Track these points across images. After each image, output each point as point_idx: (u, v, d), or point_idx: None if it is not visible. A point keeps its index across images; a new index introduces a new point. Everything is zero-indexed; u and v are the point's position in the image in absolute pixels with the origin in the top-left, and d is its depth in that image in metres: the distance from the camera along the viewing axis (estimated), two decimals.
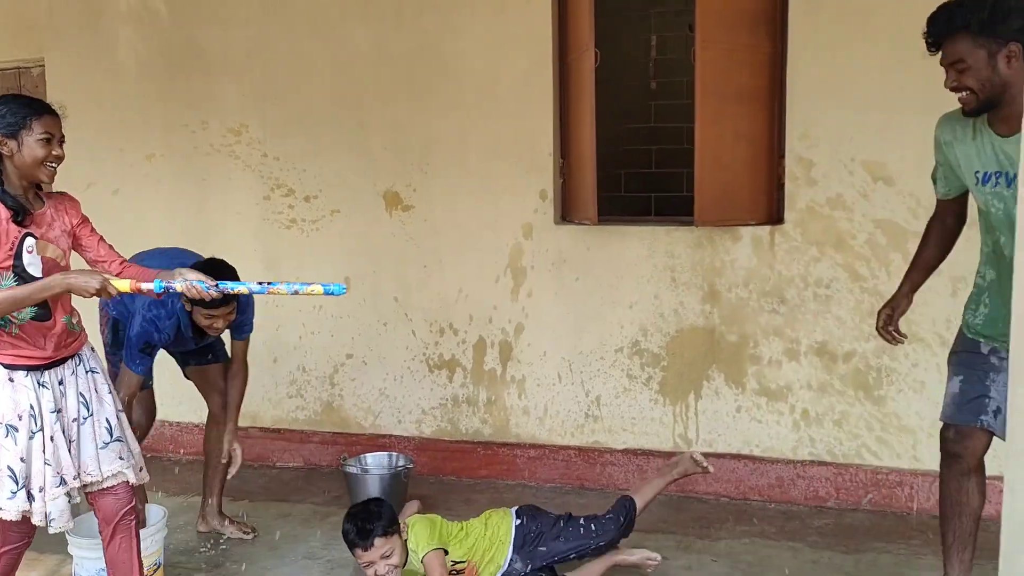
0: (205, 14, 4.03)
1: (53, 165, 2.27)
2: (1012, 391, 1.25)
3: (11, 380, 2.26)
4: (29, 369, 2.28)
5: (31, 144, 2.21)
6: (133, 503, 2.47)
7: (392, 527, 2.65)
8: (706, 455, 3.56)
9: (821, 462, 3.50)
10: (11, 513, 2.25)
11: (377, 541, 2.59)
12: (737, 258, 3.51)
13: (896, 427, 3.41)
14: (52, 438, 2.28)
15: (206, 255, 3.37)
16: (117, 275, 2.34)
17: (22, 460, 2.24)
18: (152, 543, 2.74)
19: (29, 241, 2.24)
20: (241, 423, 4.13)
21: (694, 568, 3.01)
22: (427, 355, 3.94)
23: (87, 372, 2.41)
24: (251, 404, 4.17)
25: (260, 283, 2.37)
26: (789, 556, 3.08)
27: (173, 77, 4.10)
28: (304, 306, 4.05)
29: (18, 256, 2.22)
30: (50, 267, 2.27)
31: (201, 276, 2.32)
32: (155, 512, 2.93)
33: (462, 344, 3.89)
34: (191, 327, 2.89)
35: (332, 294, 2.32)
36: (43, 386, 2.29)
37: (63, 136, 2.30)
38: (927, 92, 3.20)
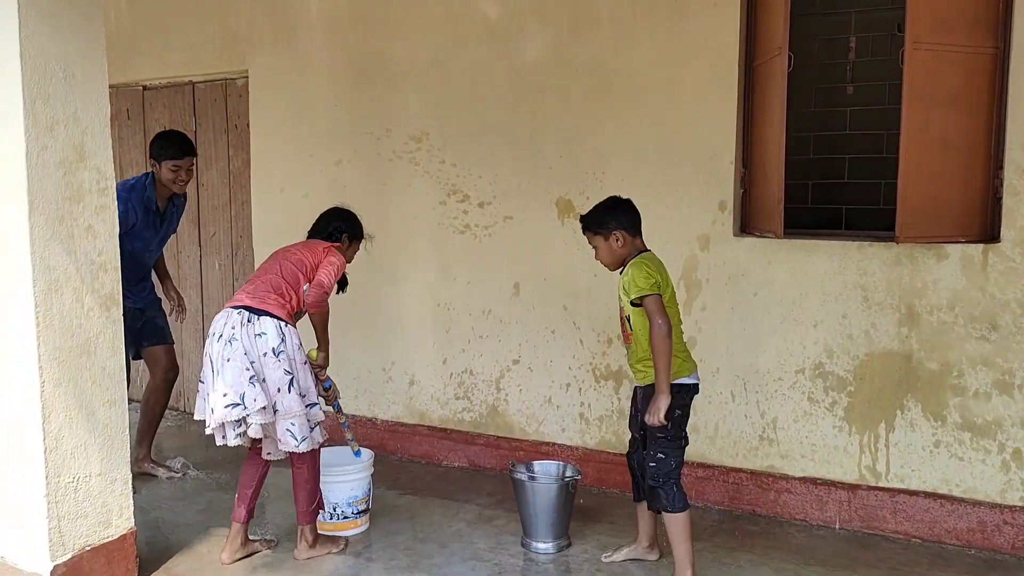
0: (391, 26, 4.20)
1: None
2: None
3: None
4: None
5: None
6: None
7: None
8: (897, 491, 3.33)
9: None
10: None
11: None
12: (941, 278, 3.21)
13: None
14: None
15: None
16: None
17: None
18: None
19: None
20: (409, 420, 4.33)
21: None
22: (594, 365, 3.89)
23: None
24: (419, 403, 4.31)
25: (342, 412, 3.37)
26: None
27: (361, 86, 4.31)
28: (474, 310, 4.12)
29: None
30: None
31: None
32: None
33: None
34: (155, 203, 3.72)
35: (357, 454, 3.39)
36: None
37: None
38: None
